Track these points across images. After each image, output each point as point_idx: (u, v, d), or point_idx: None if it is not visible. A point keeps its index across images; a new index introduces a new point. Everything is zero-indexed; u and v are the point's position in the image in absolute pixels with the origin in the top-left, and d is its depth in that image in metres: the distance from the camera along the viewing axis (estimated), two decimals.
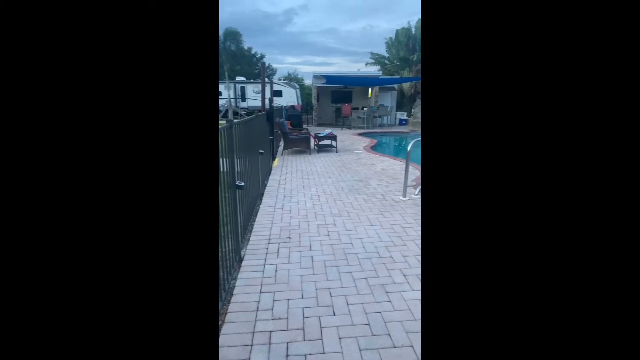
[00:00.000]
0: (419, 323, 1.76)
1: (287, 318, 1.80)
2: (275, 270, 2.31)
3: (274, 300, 1.96)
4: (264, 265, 2.39)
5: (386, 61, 18.81)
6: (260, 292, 2.04)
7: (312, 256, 2.53)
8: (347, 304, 1.92)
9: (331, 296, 2.00)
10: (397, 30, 18.06)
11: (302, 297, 1.99)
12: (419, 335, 1.67)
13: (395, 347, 1.59)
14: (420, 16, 18.33)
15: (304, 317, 1.81)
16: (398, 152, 8.53)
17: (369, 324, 1.75)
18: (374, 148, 8.18)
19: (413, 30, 17.37)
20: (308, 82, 15.83)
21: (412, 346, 1.59)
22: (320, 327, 1.73)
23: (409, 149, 4.01)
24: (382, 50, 19.19)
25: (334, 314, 1.83)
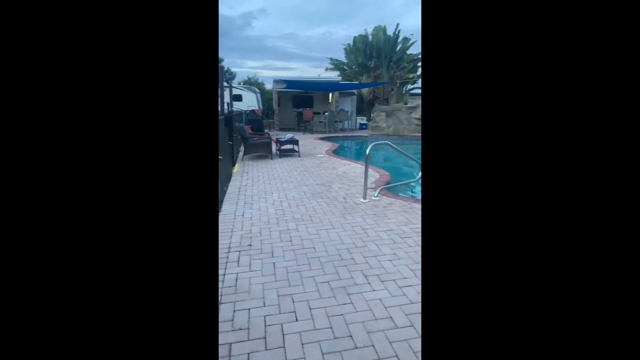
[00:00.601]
0: (379, 322, 1.80)
1: (248, 328, 1.75)
2: (236, 280, 2.25)
3: (234, 311, 1.90)
4: (224, 275, 2.32)
5: (345, 67, 19.24)
6: (220, 303, 1.97)
7: (273, 263, 2.49)
8: (310, 309, 1.92)
9: (293, 302, 1.99)
10: (354, 37, 18.58)
11: (264, 305, 1.95)
12: (380, 334, 1.71)
13: (357, 348, 1.61)
14: (376, 25, 18.81)
15: (265, 326, 1.77)
16: (359, 155, 8.74)
17: (331, 327, 1.76)
18: (336, 152, 8.30)
19: (370, 37, 17.97)
20: (269, 86, 15.71)
21: (373, 346, 1.62)
22: (283, 335, 1.70)
23: (367, 152, 4.12)
24: (341, 56, 19.63)
25: (297, 320, 1.82)
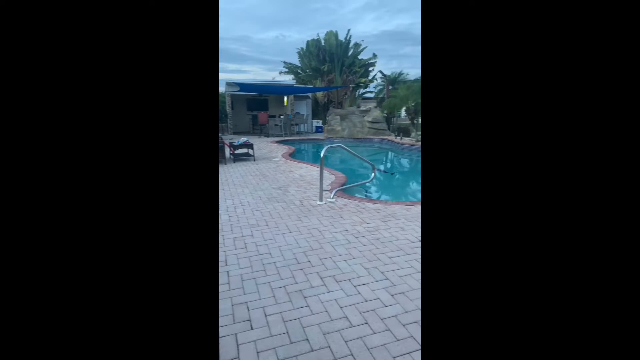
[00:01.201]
0: (335, 323, 1.83)
1: None
2: None
3: None
4: None
5: (299, 70, 19.33)
6: None
7: (227, 271, 2.41)
8: (265, 316, 1.88)
9: (249, 310, 1.94)
10: (307, 41, 18.76)
11: (218, 316, 1.88)
12: (336, 334, 1.73)
13: (313, 350, 1.61)
14: (328, 29, 19.15)
15: (219, 337, 1.70)
16: (316, 158, 8.82)
17: (287, 333, 1.74)
18: (293, 155, 8.29)
19: (322, 42, 18.27)
20: (222, 89, 15.25)
21: (329, 347, 1.64)
22: (237, 345, 1.65)
23: (322, 155, 4.17)
24: (295, 60, 19.69)
25: (252, 328, 1.78)
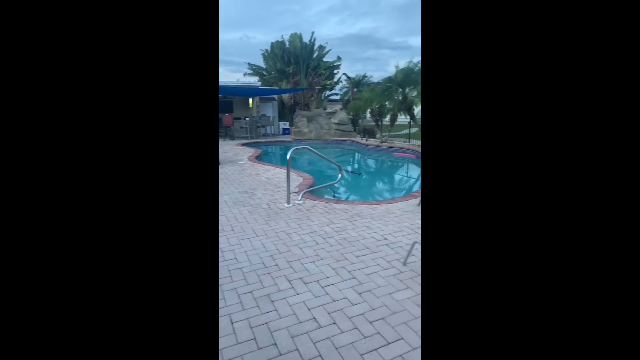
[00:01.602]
0: (303, 325, 1.82)
1: None
2: None
3: None
4: None
5: (264, 72, 19.13)
6: None
7: None
8: (232, 323, 1.84)
9: None
10: (272, 43, 18.61)
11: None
12: (304, 336, 1.72)
13: (281, 354, 1.60)
14: (293, 32, 19.12)
15: None
16: (283, 161, 8.76)
17: (254, 339, 1.71)
18: (259, 158, 8.18)
19: (287, 44, 18.22)
20: None
21: (297, 350, 1.63)
22: None
23: (288, 157, 4.15)
24: (260, 62, 19.47)
25: (218, 337, 1.72)
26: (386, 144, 10.98)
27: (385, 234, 3.14)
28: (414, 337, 1.68)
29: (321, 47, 18.67)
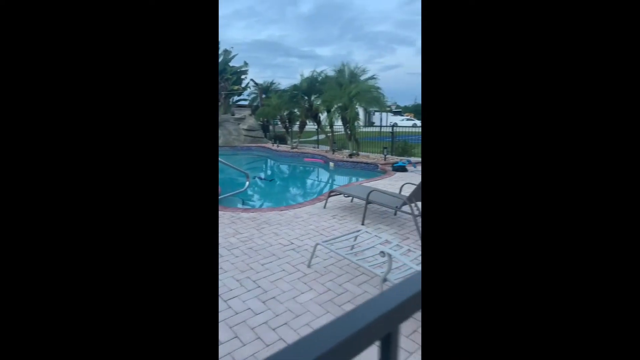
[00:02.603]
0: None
1: None
2: None
3: None
4: None
5: None
6: None
7: None
8: None
9: None
10: None
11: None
12: None
13: None
14: None
15: None
16: None
17: None
18: None
19: None
20: None
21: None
22: None
23: None
24: None
25: None
26: (297, 149, 11.24)
27: (292, 238, 3.19)
28: None
29: (226, 52, 18.13)
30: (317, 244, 2.64)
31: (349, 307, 2.07)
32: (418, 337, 1.73)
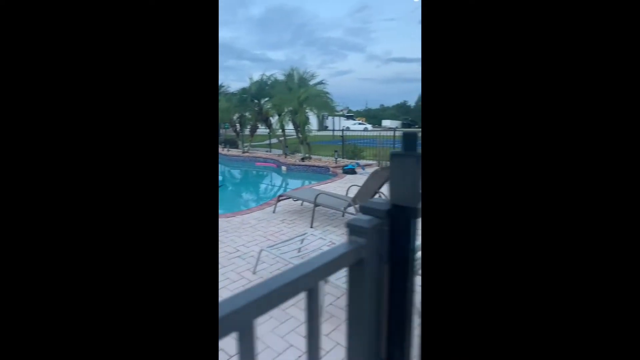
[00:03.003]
0: None
1: None
2: None
3: None
4: None
5: None
6: None
7: None
8: None
9: None
10: None
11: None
12: None
13: None
14: None
15: None
16: None
17: None
18: None
19: None
20: None
21: None
22: None
23: None
24: None
25: None
26: (248, 154, 11.05)
27: (238, 245, 3.13)
28: (258, 343, 1.73)
29: None
30: (262, 250, 2.62)
31: (293, 311, 2.09)
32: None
